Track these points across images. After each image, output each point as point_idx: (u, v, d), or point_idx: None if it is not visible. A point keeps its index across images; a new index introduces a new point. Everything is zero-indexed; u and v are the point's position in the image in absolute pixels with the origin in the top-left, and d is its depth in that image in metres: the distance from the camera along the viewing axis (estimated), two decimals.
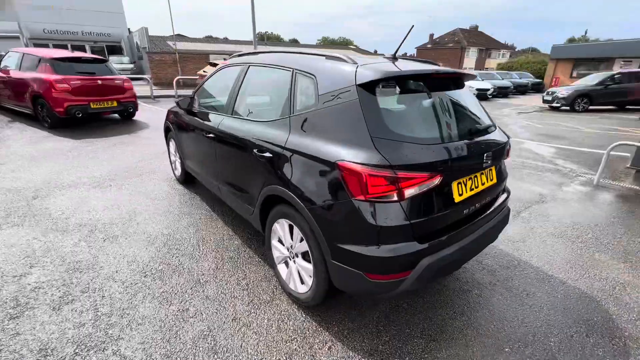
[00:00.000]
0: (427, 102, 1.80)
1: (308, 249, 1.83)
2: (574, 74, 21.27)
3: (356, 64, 1.77)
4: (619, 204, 3.85)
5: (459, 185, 1.73)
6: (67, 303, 2.03)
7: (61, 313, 1.95)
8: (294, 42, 54.83)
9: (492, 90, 16.98)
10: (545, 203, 3.81)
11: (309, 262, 1.89)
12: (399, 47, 2.26)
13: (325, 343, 1.81)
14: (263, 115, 2.25)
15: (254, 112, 2.38)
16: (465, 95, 2.07)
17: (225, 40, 30.98)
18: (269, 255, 2.30)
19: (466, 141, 1.77)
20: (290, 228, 1.99)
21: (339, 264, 1.64)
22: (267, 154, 2.01)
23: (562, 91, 12.84)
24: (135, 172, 4.40)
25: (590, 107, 12.67)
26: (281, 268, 2.20)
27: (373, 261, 1.54)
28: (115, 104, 7.03)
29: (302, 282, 2.02)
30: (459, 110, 1.96)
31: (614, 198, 4.04)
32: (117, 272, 2.35)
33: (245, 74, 2.52)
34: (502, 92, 18.37)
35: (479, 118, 2.04)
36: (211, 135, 2.69)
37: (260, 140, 2.10)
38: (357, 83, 1.65)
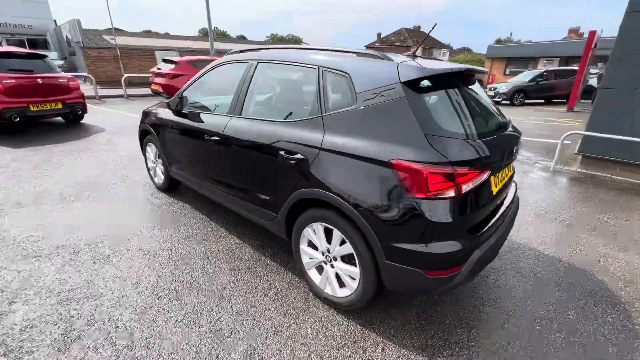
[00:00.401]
0: (459, 99, 1.85)
1: (353, 251, 1.79)
2: (507, 72, 23.70)
3: (393, 61, 1.76)
4: (576, 186, 4.38)
5: (494, 178, 1.82)
6: (74, 340, 1.74)
7: (70, 353, 1.66)
8: (242, 39, 53.15)
9: None
10: (520, 189, 4.19)
11: (353, 265, 1.85)
12: (418, 47, 2.30)
13: (377, 345, 1.79)
14: (283, 115, 2.13)
15: (271, 112, 2.25)
16: (481, 92, 2.17)
17: (167, 36, 28.91)
18: (296, 261, 2.20)
19: (500, 135, 1.86)
20: (326, 231, 1.93)
21: (394, 264, 1.63)
22: (299, 156, 1.91)
23: (503, 87, 14.23)
24: (103, 182, 3.92)
25: (526, 102, 14.23)
26: (313, 274, 2.12)
27: (433, 258, 1.55)
28: (59, 105, 6.18)
29: (342, 286, 1.97)
30: (483, 106, 2.05)
31: (570, 181, 4.59)
32: (123, 297, 2.07)
33: (254, 71, 2.37)
34: None
35: (499, 113, 2.16)
36: (215, 138, 2.49)
37: (287, 142, 1.99)
38: (402, 81, 1.64)
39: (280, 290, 2.19)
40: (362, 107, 1.73)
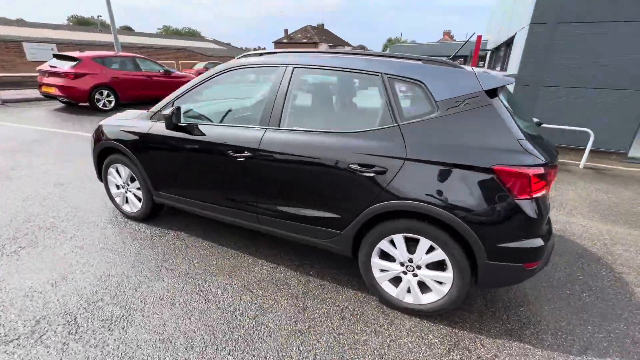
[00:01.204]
0: (510, 104, 2.03)
1: (446, 257, 1.81)
2: None
3: (464, 69, 1.82)
4: None
5: None
6: None
7: None
8: (127, 30, 46.36)
9: None
10: None
11: (441, 270, 1.88)
12: (457, 51, 2.42)
13: (475, 341, 1.87)
14: (344, 126, 2.00)
15: (325, 123, 2.07)
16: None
17: (23, 23, 23.27)
18: (366, 276, 2.11)
19: (546, 135, 2.12)
20: (407, 241, 1.91)
21: (496, 263, 1.72)
22: (378, 168, 1.82)
23: None
24: (48, 219, 3.00)
25: None
26: (387, 286, 2.07)
27: (531, 252, 1.70)
28: None
29: (424, 292, 1.98)
30: (522, 109, 2.26)
31: None
32: (191, 347, 1.66)
33: (290, 78, 2.13)
34: None
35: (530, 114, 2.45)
36: (246, 154, 2.17)
37: (360, 155, 1.87)
38: (485, 89, 1.72)
39: (354, 310, 2.08)
40: (446, 115, 1.76)
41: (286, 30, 50.23)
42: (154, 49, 24.18)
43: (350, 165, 1.89)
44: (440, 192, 1.72)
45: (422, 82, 1.83)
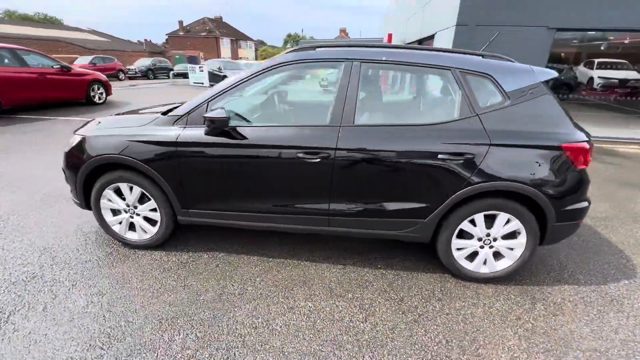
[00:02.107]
0: None
1: (522, 225, 2.10)
2: None
3: (516, 62, 2.12)
4: None
5: None
6: None
7: None
8: None
9: None
10: None
11: (514, 238, 2.18)
12: (486, 46, 2.72)
13: (555, 294, 2.24)
14: (424, 118, 2.09)
15: (404, 117, 2.12)
16: None
17: None
18: (445, 257, 2.26)
19: None
20: (486, 218, 2.14)
21: (562, 224, 2.10)
22: (468, 156, 1.99)
23: (333, 75, 16.82)
24: (19, 268, 2.21)
25: None
26: (463, 262, 2.26)
27: (584, 211, 2.13)
28: None
29: (497, 260, 2.25)
30: None
31: None
32: None
33: (360, 73, 2.09)
34: None
35: None
36: (324, 154, 2.05)
37: (449, 144, 1.99)
38: (541, 80, 2.05)
39: (441, 290, 2.22)
40: (516, 104, 2.03)
41: (181, 22, 45.62)
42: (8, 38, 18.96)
43: (439, 155, 2.00)
44: (523, 171, 1.99)
45: (492, 76, 2.05)
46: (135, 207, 2.43)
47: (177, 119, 2.22)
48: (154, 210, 2.41)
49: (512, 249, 2.21)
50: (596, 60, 12.73)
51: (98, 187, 2.37)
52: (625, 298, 2.20)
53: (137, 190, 2.35)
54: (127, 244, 2.55)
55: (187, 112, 2.21)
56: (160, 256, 2.47)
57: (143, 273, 2.27)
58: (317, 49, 2.22)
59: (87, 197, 2.46)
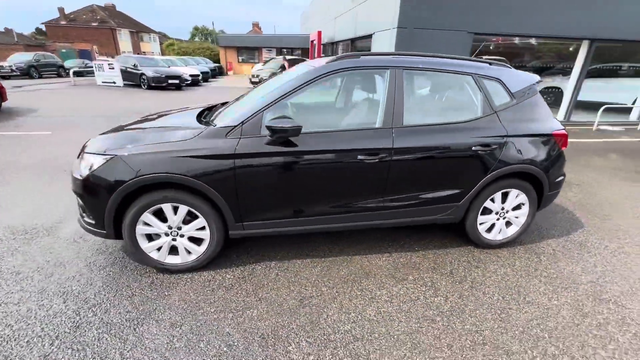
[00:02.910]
0: None
1: (527, 197, 2.66)
2: (240, 59, 26.83)
3: (513, 68, 2.65)
4: None
5: None
6: None
7: None
8: None
9: (201, 76, 18.08)
10: None
11: (520, 209, 2.74)
12: (478, 51, 3.21)
13: (549, 246, 2.87)
14: (457, 117, 2.45)
15: (442, 117, 2.44)
16: None
17: None
18: (474, 232, 2.70)
19: None
20: (502, 195, 2.65)
21: (552, 192, 2.73)
22: (493, 146, 2.43)
23: (264, 72, 16.53)
24: (72, 305, 1.85)
25: None
26: (485, 234, 2.75)
27: (563, 182, 2.81)
28: None
29: (508, 227, 2.80)
30: None
31: None
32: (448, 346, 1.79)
33: (403, 79, 2.33)
34: (204, 78, 19.92)
35: None
36: (382, 155, 2.26)
37: (479, 138, 2.40)
38: (534, 82, 2.62)
39: (473, 259, 2.66)
40: (520, 103, 2.55)
41: (62, 9, 38.04)
42: None
43: (473, 147, 2.40)
44: (530, 155, 2.53)
45: (500, 79, 2.53)
46: (179, 229, 2.24)
47: (230, 130, 2.13)
48: (201, 228, 2.26)
49: (518, 217, 2.78)
50: (484, 58, 15.48)
51: (135, 211, 2.10)
52: (586, 241, 2.98)
53: (183, 209, 2.17)
54: (166, 270, 2.32)
55: (241, 123, 2.13)
56: (211, 276, 2.33)
57: (206, 295, 2.14)
58: (362, 57, 2.38)
59: (115, 224, 2.15)
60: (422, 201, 2.49)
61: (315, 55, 16.20)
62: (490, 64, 2.64)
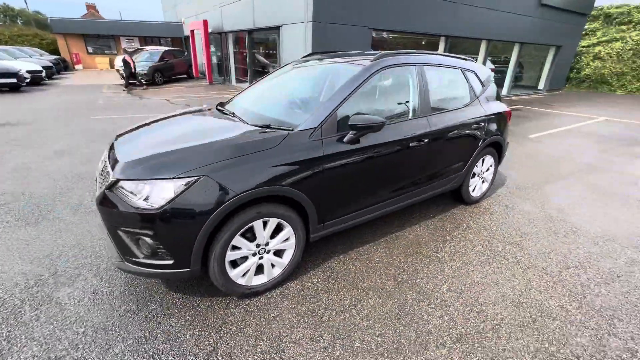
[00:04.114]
0: None
1: (493, 159, 3.57)
2: (90, 50, 21.80)
3: (474, 61, 3.44)
4: None
5: None
6: None
7: None
8: None
9: (44, 73, 14.01)
10: None
11: (489, 167, 3.63)
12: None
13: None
14: (458, 104, 3.03)
15: (448, 104, 2.95)
16: None
17: None
18: (466, 195, 3.43)
19: None
20: (482, 161, 3.46)
21: (504, 153, 3.72)
22: (482, 124, 3.16)
23: (141, 68, 14.12)
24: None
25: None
26: (473, 192, 3.54)
27: (508, 143, 3.85)
28: None
29: (483, 184, 3.67)
30: None
31: None
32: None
33: (423, 74, 2.73)
34: (47, 75, 15.46)
35: None
36: (425, 140, 2.65)
37: (475, 118, 3.08)
38: (490, 72, 3.47)
39: (469, 215, 3.40)
40: (487, 88, 3.36)
41: None
42: None
43: (472, 126, 3.06)
44: (498, 128, 3.38)
45: (475, 72, 3.25)
46: (267, 244, 2.07)
47: (312, 132, 2.08)
48: (285, 240, 2.15)
49: (489, 176, 3.67)
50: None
51: (227, 236, 1.84)
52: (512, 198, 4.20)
53: (272, 222, 2.02)
54: (253, 293, 2.11)
55: (320, 123, 2.11)
56: (300, 286, 2.26)
57: (315, 303, 2.09)
58: (399, 55, 2.63)
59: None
60: (442, 174, 3.02)
61: (202, 46, 14.84)
62: (465, 59, 3.34)
